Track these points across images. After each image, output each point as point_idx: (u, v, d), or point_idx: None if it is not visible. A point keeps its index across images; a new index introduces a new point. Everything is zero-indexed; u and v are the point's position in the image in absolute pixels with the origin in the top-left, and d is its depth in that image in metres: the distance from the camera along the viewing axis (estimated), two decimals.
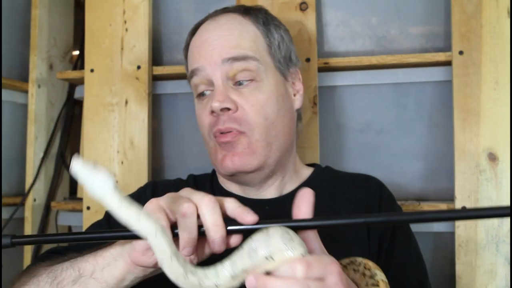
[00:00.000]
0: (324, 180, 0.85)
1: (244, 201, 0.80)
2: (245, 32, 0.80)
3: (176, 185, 0.88)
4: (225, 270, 0.48)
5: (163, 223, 0.50)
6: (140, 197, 0.86)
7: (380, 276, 0.56)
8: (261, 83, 0.78)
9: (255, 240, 0.48)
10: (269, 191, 0.82)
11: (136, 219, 0.49)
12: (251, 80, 0.77)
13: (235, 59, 0.76)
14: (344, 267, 0.59)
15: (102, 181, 0.51)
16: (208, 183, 0.88)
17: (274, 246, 0.47)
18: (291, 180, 0.83)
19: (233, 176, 0.79)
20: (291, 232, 0.48)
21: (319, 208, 0.76)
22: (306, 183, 0.82)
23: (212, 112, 0.76)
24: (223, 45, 0.78)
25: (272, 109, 0.77)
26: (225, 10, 0.84)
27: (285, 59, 0.82)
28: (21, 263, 1.32)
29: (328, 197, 0.81)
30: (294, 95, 0.84)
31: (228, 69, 0.77)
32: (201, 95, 0.80)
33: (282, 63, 0.81)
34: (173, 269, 0.48)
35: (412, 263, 0.79)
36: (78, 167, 0.51)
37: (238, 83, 0.77)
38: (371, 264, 0.57)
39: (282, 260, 0.46)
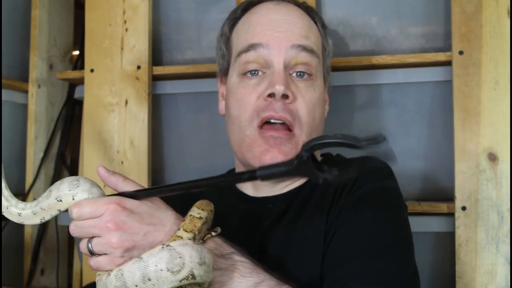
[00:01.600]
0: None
1: (250, 200, 0.80)
2: (312, 27, 0.79)
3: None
4: (30, 204, 0.60)
5: None
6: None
7: (192, 212, 0.59)
8: (316, 82, 0.76)
9: (53, 185, 0.60)
10: (284, 189, 0.79)
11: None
12: (309, 75, 0.75)
13: (304, 48, 0.74)
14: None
15: None
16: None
17: (62, 191, 0.58)
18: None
19: None
20: (82, 180, 0.59)
21: (316, 201, 0.75)
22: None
23: (269, 96, 0.72)
24: (294, 31, 0.75)
25: (319, 111, 0.76)
26: (286, 0, 0.81)
27: (328, 67, 0.82)
28: (21, 263, 1.32)
29: (323, 186, 0.76)
30: (325, 103, 0.84)
31: (292, 56, 0.74)
32: (247, 74, 0.75)
33: (327, 69, 0.81)
34: None
35: (362, 230, 0.67)
36: None
37: (297, 74, 0.74)
38: (198, 203, 0.62)
39: (68, 203, 0.58)
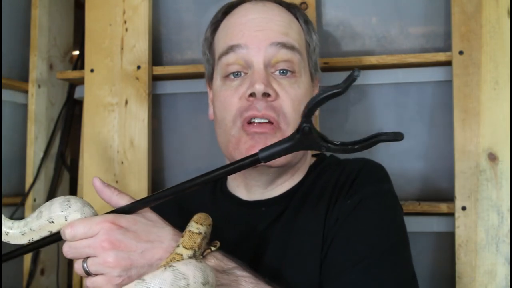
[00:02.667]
0: (319, 171, 0.80)
1: (243, 204, 0.80)
2: (292, 23, 0.78)
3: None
4: (18, 224, 0.59)
5: None
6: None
7: (190, 227, 0.58)
8: (300, 78, 0.75)
9: (43, 206, 0.58)
10: (276, 191, 0.79)
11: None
12: (292, 72, 0.74)
13: (284, 45, 0.73)
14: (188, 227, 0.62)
15: None
16: (211, 185, 0.86)
17: (54, 212, 0.57)
18: (298, 178, 0.80)
19: (253, 169, 0.72)
20: (72, 200, 0.58)
21: (308, 200, 0.75)
22: (304, 178, 0.80)
23: (250, 95, 0.71)
24: (273, 29, 0.74)
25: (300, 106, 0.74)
26: None
27: (315, 63, 0.81)
28: (21, 264, 1.32)
29: (317, 188, 0.76)
30: None
31: (272, 55, 0.73)
32: (229, 76, 0.75)
33: (313, 66, 0.80)
34: None
35: (361, 237, 0.68)
36: None
37: (279, 72, 0.74)
38: (195, 217, 0.60)
39: (60, 224, 0.57)
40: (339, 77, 1.12)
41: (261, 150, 0.54)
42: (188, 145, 1.23)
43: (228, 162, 0.81)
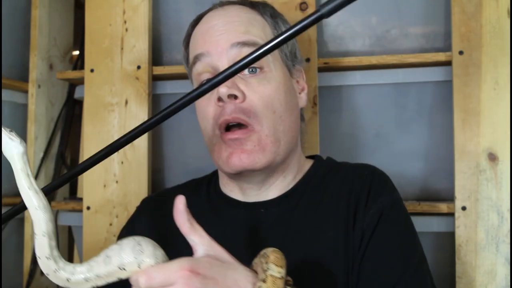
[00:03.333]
0: (321, 176, 0.81)
1: (241, 206, 0.80)
2: (253, 20, 0.78)
3: (170, 195, 0.87)
4: (81, 269, 0.54)
5: None
6: (134, 221, 0.86)
7: (272, 271, 0.55)
8: (269, 74, 0.75)
9: (110, 249, 0.54)
10: (271, 191, 0.79)
11: (27, 186, 0.58)
12: (260, 69, 0.74)
13: (245, 44, 0.73)
14: (259, 258, 0.59)
15: (12, 146, 0.58)
16: (205, 186, 0.86)
17: (125, 258, 0.52)
18: (293, 180, 0.81)
19: (237, 175, 0.75)
20: (143, 243, 0.53)
21: (314, 207, 0.76)
22: (303, 180, 0.80)
23: (219, 100, 0.72)
24: (231, 30, 0.75)
25: (280, 102, 0.74)
26: (230, 2, 0.82)
27: (291, 54, 0.80)
28: (21, 264, 1.32)
29: (323, 194, 0.77)
30: (299, 93, 0.82)
31: (235, 55, 0.73)
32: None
33: (289, 57, 0.79)
34: (41, 245, 0.55)
35: (394, 251, 0.71)
36: None
37: (249, 71, 0.74)
38: (272, 257, 0.56)
39: (132, 271, 0.52)
40: (339, 77, 1.13)
41: (322, 6, 0.48)
42: (188, 145, 1.23)
43: (219, 172, 0.83)
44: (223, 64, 0.73)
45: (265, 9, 0.81)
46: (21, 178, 0.58)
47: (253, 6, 0.81)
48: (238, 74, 0.72)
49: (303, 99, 0.83)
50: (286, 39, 0.50)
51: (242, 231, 0.77)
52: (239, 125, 0.73)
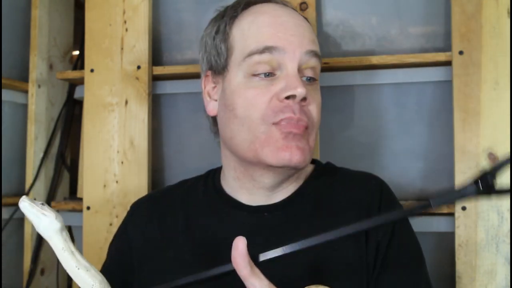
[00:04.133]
0: (324, 181, 0.81)
1: (244, 209, 0.78)
2: (313, 31, 0.79)
3: (161, 197, 0.87)
4: None
5: None
6: (126, 225, 0.85)
7: None
8: (318, 86, 0.77)
9: None
10: (279, 195, 0.78)
11: (75, 266, 0.53)
12: (315, 79, 0.76)
13: (315, 54, 0.75)
14: None
15: (48, 223, 0.53)
16: (201, 185, 0.84)
17: None
18: (298, 182, 0.80)
19: (271, 169, 0.73)
20: None
21: (316, 211, 0.76)
22: (306, 185, 0.80)
23: (287, 98, 0.71)
24: (305, 36, 0.75)
25: (320, 113, 0.77)
26: (287, 3, 0.81)
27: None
28: (21, 264, 1.32)
29: (328, 200, 0.78)
30: None
31: (304, 61, 0.74)
32: (259, 75, 0.73)
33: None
34: None
35: (410, 266, 0.76)
36: (26, 206, 0.53)
37: (305, 78, 0.75)
38: None
39: None
40: (339, 77, 1.13)
41: (435, 199, 0.51)
42: (188, 145, 1.23)
43: (229, 164, 0.79)
44: (293, 66, 0.73)
45: (310, 23, 0.82)
46: (68, 260, 0.53)
47: (303, 16, 0.82)
48: (302, 78, 0.73)
49: None
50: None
51: (245, 234, 0.76)
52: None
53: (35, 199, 1.26)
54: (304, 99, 0.72)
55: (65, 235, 0.54)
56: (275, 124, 0.71)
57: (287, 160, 0.70)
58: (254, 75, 0.73)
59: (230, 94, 0.76)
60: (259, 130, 0.72)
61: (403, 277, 0.74)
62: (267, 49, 0.73)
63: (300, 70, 0.73)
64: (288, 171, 0.74)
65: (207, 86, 0.82)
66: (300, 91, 0.70)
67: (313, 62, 0.75)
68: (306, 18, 0.82)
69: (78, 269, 0.52)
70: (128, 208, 0.88)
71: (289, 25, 0.75)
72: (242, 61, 0.74)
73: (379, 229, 0.74)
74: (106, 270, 0.83)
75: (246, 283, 0.52)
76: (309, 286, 0.57)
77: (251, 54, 0.73)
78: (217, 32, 0.79)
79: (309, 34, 0.77)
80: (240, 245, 0.51)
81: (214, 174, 0.85)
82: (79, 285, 0.52)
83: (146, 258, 0.79)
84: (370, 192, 0.78)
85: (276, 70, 0.73)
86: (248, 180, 0.77)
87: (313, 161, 0.86)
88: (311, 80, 0.76)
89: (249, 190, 0.78)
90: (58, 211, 1.32)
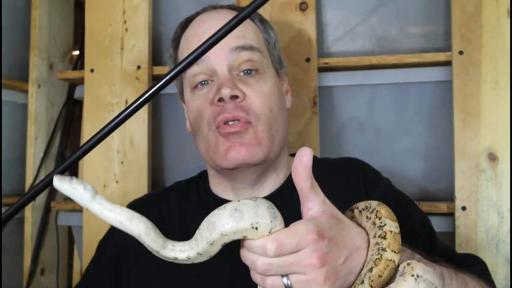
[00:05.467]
0: None
1: None
2: (247, 24, 0.80)
3: (158, 198, 0.88)
4: (191, 245, 0.52)
5: None
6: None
7: (389, 226, 0.52)
8: (264, 75, 0.77)
9: (243, 204, 0.49)
10: (263, 190, 0.80)
11: (119, 223, 0.55)
12: (256, 71, 0.77)
13: (243, 48, 0.76)
14: (359, 212, 0.57)
15: (78, 197, 0.56)
16: (194, 188, 0.86)
17: (262, 218, 0.48)
18: (283, 179, 0.82)
19: (233, 171, 0.76)
20: (275, 207, 0.51)
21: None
22: (290, 177, 0.81)
23: (219, 100, 0.73)
24: (229, 34, 0.77)
25: (275, 102, 0.77)
26: (221, 6, 0.84)
27: (279, 58, 0.84)
28: (21, 264, 1.32)
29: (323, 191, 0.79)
30: (286, 94, 0.85)
31: (234, 59, 0.76)
32: (197, 86, 0.78)
33: (277, 61, 0.83)
34: (149, 245, 0.53)
35: (416, 222, 0.79)
36: (57, 185, 0.57)
37: (244, 73, 0.76)
38: (383, 211, 0.54)
39: (260, 234, 0.48)
40: (339, 77, 1.13)
41: None
42: (188, 145, 1.22)
43: (210, 169, 0.83)
44: (222, 68, 0.76)
45: (254, 15, 0.83)
46: (110, 219, 0.55)
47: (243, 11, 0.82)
48: (235, 75, 0.76)
49: (289, 100, 0.86)
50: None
51: None
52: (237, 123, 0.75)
53: (35, 200, 1.25)
54: (235, 97, 0.73)
55: (98, 199, 0.55)
56: (218, 128, 0.74)
57: (236, 159, 0.73)
58: (195, 87, 0.78)
59: (188, 110, 0.82)
60: (209, 138, 0.76)
61: (413, 224, 0.77)
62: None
63: (234, 67, 0.76)
64: (251, 168, 0.76)
65: (184, 107, 0.88)
66: (224, 91, 0.72)
67: (244, 55, 0.76)
68: (246, 12, 0.82)
69: (122, 223, 0.54)
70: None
71: (212, 30, 0.76)
72: (184, 78, 0.80)
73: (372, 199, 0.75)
74: (95, 266, 0.84)
75: (304, 197, 0.52)
76: (361, 202, 0.57)
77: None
78: (169, 57, 0.86)
79: (236, 31, 0.76)
80: (305, 155, 0.49)
81: (205, 177, 0.87)
82: (131, 234, 0.54)
83: (142, 260, 0.79)
84: (353, 174, 0.81)
85: (212, 76, 0.77)
86: (227, 182, 0.81)
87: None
88: (250, 72, 0.76)
89: (233, 190, 0.81)
90: (58, 211, 1.33)
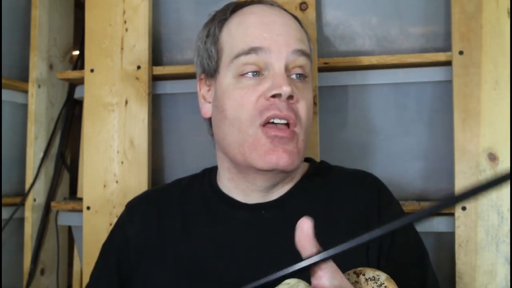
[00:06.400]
0: (320, 179, 0.81)
1: (242, 207, 0.78)
2: (302, 30, 0.80)
3: (157, 195, 0.87)
4: None
5: None
6: (124, 224, 0.85)
7: None
8: (309, 84, 0.77)
9: None
10: (274, 195, 0.79)
11: None
12: (305, 77, 0.76)
13: (303, 53, 0.75)
14: (366, 281, 0.57)
15: None
16: (197, 185, 0.84)
17: None
18: (291, 182, 0.81)
19: (262, 172, 0.73)
20: None
21: (315, 208, 0.76)
22: (302, 183, 0.80)
23: (273, 96, 0.71)
24: (291, 35, 0.76)
25: (312, 112, 0.77)
26: (275, 3, 0.82)
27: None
28: (21, 264, 1.32)
29: (325, 198, 0.78)
30: None
31: (291, 60, 0.74)
32: (246, 75, 0.74)
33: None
34: None
35: (414, 260, 0.77)
36: None
37: (295, 76, 0.75)
38: (392, 287, 0.53)
39: None
40: (339, 77, 1.13)
41: (459, 196, 0.44)
42: (188, 145, 1.23)
43: (225, 161, 0.80)
44: (280, 65, 0.73)
45: (300, 22, 0.82)
46: None
47: (292, 15, 0.82)
48: (290, 76, 0.74)
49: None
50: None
51: (243, 232, 0.76)
52: (284, 124, 0.73)
53: (35, 200, 1.25)
54: (290, 97, 0.72)
55: None
56: (262, 126, 0.72)
57: (274, 163, 0.71)
58: (242, 75, 0.74)
59: (221, 95, 0.77)
60: (247, 133, 0.72)
61: (409, 276, 0.74)
62: (252, 50, 0.74)
63: (288, 69, 0.74)
64: (278, 174, 0.74)
65: (202, 89, 0.83)
66: (285, 89, 0.70)
67: (301, 60, 0.75)
68: (296, 17, 0.82)
69: None
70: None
71: (275, 25, 0.76)
72: (231, 62, 0.76)
73: (382, 221, 0.75)
74: (101, 268, 0.84)
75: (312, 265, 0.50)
76: (364, 268, 0.55)
77: (238, 55, 0.75)
78: (207, 36, 0.81)
79: (297, 32, 0.77)
80: (305, 226, 0.48)
81: (210, 173, 0.86)
82: None
83: (144, 257, 0.79)
84: (367, 189, 0.79)
85: (264, 70, 0.74)
86: (242, 181, 0.78)
87: (308, 160, 0.87)
88: (300, 77, 0.76)
89: (244, 191, 0.79)
90: (58, 211, 1.33)
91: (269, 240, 0.74)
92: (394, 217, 0.76)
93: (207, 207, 0.81)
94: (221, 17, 0.80)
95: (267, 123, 0.72)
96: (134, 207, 0.86)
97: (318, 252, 0.46)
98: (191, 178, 0.88)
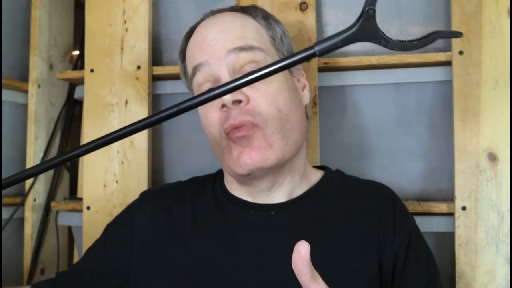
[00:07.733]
0: (334, 187, 0.82)
1: (250, 207, 0.79)
2: (247, 24, 0.78)
3: (172, 191, 0.88)
4: None
5: None
6: (133, 212, 0.86)
7: None
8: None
9: None
10: (279, 194, 0.79)
11: None
12: None
13: (241, 49, 0.74)
14: None
15: None
16: (210, 185, 0.85)
17: None
18: (300, 183, 0.81)
19: (248, 177, 0.74)
20: None
21: (329, 217, 0.76)
22: (315, 188, 0.81)
23: (223, 106, 0.72)
24: (226, 37, 0.75)
25: (284, 101, 0.74)
26: (221, 10, 0.83)
27: (288, 53, 0.81)
28: (21, 264, 1.32)
29: (338, 205, 0.79)
30: (302, 90, 0.83)
31: (234, 61, 0.74)
32: None
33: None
34: None
35: (428, 279, 0.77)
36: None
37: None
38: None
39: None
40: (339, 77, 1.13)
41: (317, 43, 0.47)
42: (188, 145, 1.23)
43: (227, 175, 0.82)
44: (223, 71, 0.74)
45: (256, 12, 0.81)
46: None
47: (244, 10, 0.82)
48: None
49: (306, 96, 0.83)
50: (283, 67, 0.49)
51: (252, 232, 0.76)
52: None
53: (35, 200, 1.25)
54: (238, 101, 0.71)
55: None
56: (228, 134, 0.73)
57: (250, 163, 0.71)
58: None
59: (199, 115, 0.80)
60: (221, 145, 0.75)
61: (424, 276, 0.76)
62: (195, 69, 0.76)
63: (236, 70, 0.74)
64: (266, 173, 0.74)
65: None
66: (224, 98, 0.70)
67: (245, 56, 0.74)
68: (248, 10, 0.81)
69: None
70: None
71: (210, 36, 0.76)
72: (192, 88, 0.80)
73: (395, 240, 0.75)
74: (97, 247, 0.85)
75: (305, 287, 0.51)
76: None
77: (191, 79, 0.79)
78: (180, 71, 0.87)
79: (234, 32, 0.76)
80: (302, 250, 0.48)
81: (223, 176, 0.87)
82: None
83: (149, 249, 0.79)
84: (383, 201, 0.79)
85: (217, 83, 0.75)
86: (245, 187, 0.79)
87: (323, 168, 0.87)
88: None
89: (249, 192, 0.80)
90: (58, 211, 1.33)
91: (276, 239, 0.75)
92: (409, 232, 0.76)
93: (217, 207, 0.81)
94: (181, 49, 0.85)
95: (227, 131, 0.73)
96: (148, 198, 0.87)
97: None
98: (206, 177, 0.89)
